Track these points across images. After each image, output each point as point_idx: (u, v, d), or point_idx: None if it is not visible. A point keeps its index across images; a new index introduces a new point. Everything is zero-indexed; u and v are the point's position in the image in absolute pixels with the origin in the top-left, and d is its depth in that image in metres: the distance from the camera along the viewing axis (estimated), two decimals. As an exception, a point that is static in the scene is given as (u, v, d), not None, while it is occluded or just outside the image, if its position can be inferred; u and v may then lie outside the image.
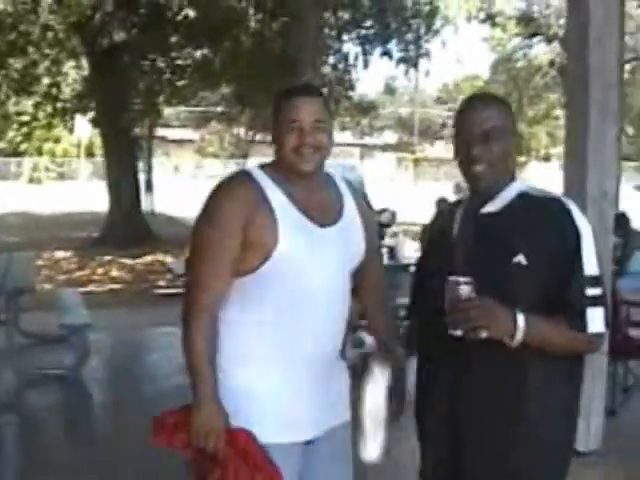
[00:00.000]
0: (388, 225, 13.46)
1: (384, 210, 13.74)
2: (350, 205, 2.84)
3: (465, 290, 2.23)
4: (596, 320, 2.32)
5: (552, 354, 2.33)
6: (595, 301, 2.32)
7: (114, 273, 15.04)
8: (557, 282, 2.31)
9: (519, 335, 2.23)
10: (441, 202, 10.86)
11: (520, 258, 2.31)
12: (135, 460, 5.44)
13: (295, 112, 2.65)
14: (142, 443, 5.73)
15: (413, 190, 43.57)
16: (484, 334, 2.21)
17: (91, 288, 12.97)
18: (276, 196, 2.66)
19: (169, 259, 15.70)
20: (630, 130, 37.56)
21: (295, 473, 2.74)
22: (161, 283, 13.50)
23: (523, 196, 2.46)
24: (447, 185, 41.26)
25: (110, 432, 6.21)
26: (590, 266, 2.33)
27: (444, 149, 65.87)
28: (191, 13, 16.94)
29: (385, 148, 63.85)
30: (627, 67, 23.03)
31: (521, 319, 2.22)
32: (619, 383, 6.69)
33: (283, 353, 2.67)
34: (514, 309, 2.23)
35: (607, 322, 2.35)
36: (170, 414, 2.78)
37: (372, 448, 2.95)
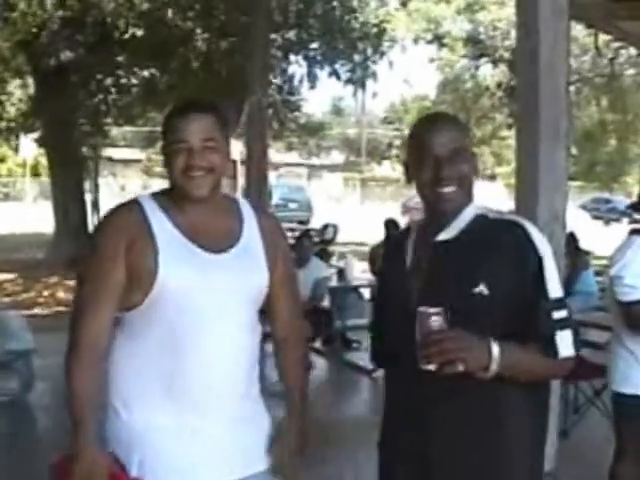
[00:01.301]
0: (332, 240, 13.50)
1: (326, 226, 13.81)
2: (251, 232, 2.63)
3: (437, 322, 2.10)
4: (565, 344, 2.25)
5: (524, 382, 2.26)
6: (562, 324, 2.25)
7: (60, 295, 14.77)
8: (522, 309, 2.23)
9: (494, 366, 2.12)
10: (389, 223, 10.90)
11: (481, 288, 2.22)
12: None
13: (182, 132, 2.47)
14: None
15: (360, 210, 43.67)
16: (460, 367, 2.08)
17: (36, 311, 12.76)
18: (160, 223, 2.49)
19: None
20: (574, 150, 38.07)
21: None
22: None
23: (479, 219, 2.37)
24: (394, 205, 41.53)
25: (54, 458, 6.07)
26: (553, 288, 2.26)
27: (391, 169, 66.32)
28: (138, 32, 16.82)
29: (332, 168, 64.04)
30: (571, 89, 23.37)
31: (496, 349, 2.12)
32: (570, 404, 6.73)
33: (170, 393, 2.48)
34: (488, 339, 2.14)
35: (576, 344, 2.28)
36: (60, 461, 2.60)
37: None
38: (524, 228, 2.31)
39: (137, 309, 2.48)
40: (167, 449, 2.49)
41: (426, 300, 2.19)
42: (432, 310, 2.12)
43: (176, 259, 2.45)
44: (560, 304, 2.27)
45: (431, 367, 2.10)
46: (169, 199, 2.57)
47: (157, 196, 2.60)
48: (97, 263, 2.49)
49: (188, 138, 2.45)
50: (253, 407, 2.67)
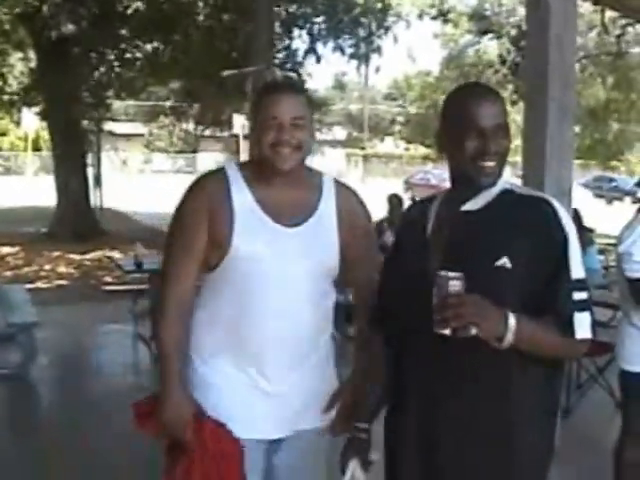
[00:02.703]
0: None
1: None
2: (327, 207, 2.76)
3: (455, 286, 2.09)
4: (583, 325, 2.22)
5: (538, 358, 2.23)
6: (582, 305, 2.23)
7: (62, 269, 14.80)
8: (543, 286, 2.21)
9: (509, 336, 2.10)
10: (393, 197, 10.85)
11: (504, 261, 2.20)
12: (83, 459, 5.36)
13: (274, 108, 2.63)
14: (89, 442, 5.70)
15: (362, 186, 43.57)
16: (473, 331, 2.07)
17: (38, 284, 12.77)
18: (241, 195, 2.67)
19: (117, 255, 15.48)
20: (577, 128, 37.95)
21: (257, 471, 2.75)
22: (109, 279, 13.33)
23: (507, 194, 2.35)
24: (395, 181, 41.46)
25: (58, 431, 6.09)
26: (576, 269, 2.23)
27: (393, 145, 66.29)
28: (141, 6, 16.73)
29: (335, 144, 64.00)
30: (576, 65, 23.28)
31: (512, 321, 2.10)
32: (573, 381, 6.72)
33: (233, 350, 2.69)
34: (505, 309, 2.12)
35: (593, 327, 2.26)
36: (145, 401, 2.80)
37: None
38: (552, 205, 2.28)
39: (213, 271, 2.70)
40: (225, 401, 2.71)
41: (445, 269, 2.16)
42: (451, 274, 2.10)
43: (249, 230, 2.64)
44: (581, 285, 2.24)
45: (446, 331, 2.10)
46: (254, 170, 2.74)
47: (244, 166, 2.81)
48: (181, 229, 2.73)
49: (279, 115, 2.62)
50: (316, 367, 2.81)
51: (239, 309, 2.66)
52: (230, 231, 2.62)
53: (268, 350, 2.67)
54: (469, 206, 2.34)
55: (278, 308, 2.64)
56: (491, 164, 2.29)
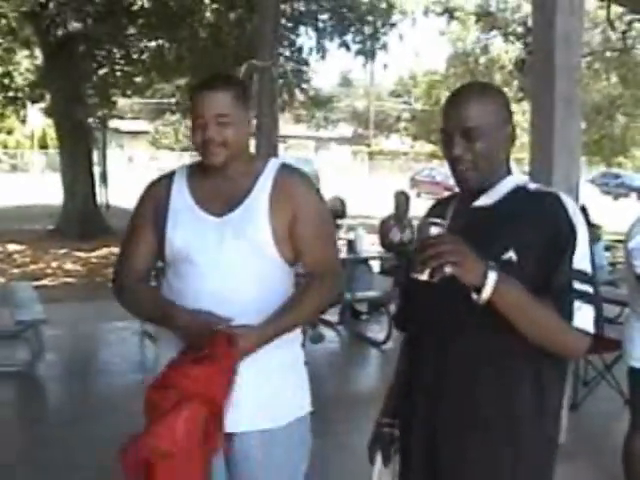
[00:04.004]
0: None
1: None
2: (261, 191, 2.73)
3: (437, 230, 2.07)
4: (584, 316, 2.16)
5: (535, 341, 2.19)
6: (585, 298, 2.18)
7: (68, 266, 14.84)
8: (546, 277, 2.18)
9: (488, 289, 2.04)
10: (400, 194, 10.84)
11: (510, 254, 2.20)
12: (91, 456, 5.36)
13: (198, 108, 2.69)
14: (97, 438, 5.70)
15: (368, 183, 43.58)
16: (448, 269, 2.01)
17: (45, 282, 12.81)
18: (179, 190, 2.80)
19: (124, 252, 15.57)
20: (582, 124, 37.84)
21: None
22: (116, 277, 13.34)
23: (519, 190, 2.35)
24: (401, 178, 41.43)
25: (65, 428, 6.10)
26: (580, 261, 2.20)
27: (399, 142, 66.22)
28: (147, 3, 16.74)
29: (340, 141, 63.96)
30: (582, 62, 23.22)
31: (494, 273, 2.04)
32: (580, 377, 6.71)
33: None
34: (488, 262, 2.06)
35: (598, 325, 2.19)
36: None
37: None
38: (561, 200, 2.27)
39: (167, 266, 2.81)
40: None
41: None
42: (434, 220, 2.09)
43: (180, 221, 2.74)
44: (584, 277, 2.20)
45: (424, 276, 2.05)
46: (199, 166, 2.84)
47: (192, 165, 2.91)
48: (132, 220, 2.92)
49: (203, 114, 2.67)
50: (262, 369, 2.67)
51: (178, 298, 2.67)
52: (165, 224, 2.75)
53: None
54: (481, 202, 2.36)
55: (213, 294, 2.62)
56: (461, 168, 2.30)
